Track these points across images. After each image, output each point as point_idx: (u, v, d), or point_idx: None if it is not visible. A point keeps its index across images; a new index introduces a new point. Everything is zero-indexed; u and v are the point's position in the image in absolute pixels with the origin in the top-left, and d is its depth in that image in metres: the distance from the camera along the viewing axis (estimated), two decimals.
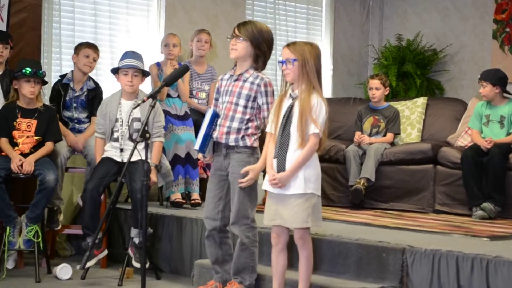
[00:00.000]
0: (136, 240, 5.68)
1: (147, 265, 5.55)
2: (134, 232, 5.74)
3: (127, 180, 5.75)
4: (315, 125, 4.45)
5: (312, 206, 4.51)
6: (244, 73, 4.94)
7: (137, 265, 5.51)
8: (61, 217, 6.46)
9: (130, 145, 5.69)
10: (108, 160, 5.89)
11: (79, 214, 7.02)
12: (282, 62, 4.53)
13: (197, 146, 4.94)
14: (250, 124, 4.92)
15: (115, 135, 5.89)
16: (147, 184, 4.68)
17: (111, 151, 5.94)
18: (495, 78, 7.21)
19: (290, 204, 4.50)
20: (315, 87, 4.51)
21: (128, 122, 5.79)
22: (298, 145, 4.46)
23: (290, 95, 4.56)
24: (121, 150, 5.82)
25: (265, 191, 4.71)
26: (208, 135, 4.92)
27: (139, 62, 6.00)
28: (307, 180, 4.49)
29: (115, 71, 6.00)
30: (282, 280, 4.66)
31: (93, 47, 6.79)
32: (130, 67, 5.87)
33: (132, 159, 5.11)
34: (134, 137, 5.66)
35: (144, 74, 6.04)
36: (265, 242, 5.17)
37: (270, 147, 4.61)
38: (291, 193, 4.49)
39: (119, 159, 5.86)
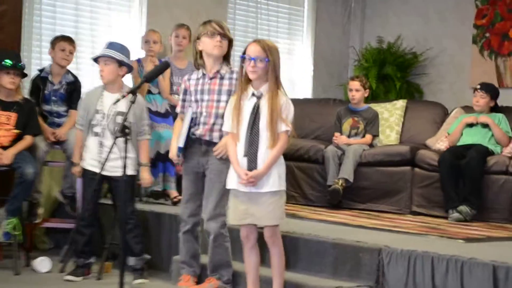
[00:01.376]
0: (137, 266, 5.72)
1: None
2: (131, 261, 5.70)
3: (112, 195, 5.82)
4: (286, 124, 4.53)
5: (283, 203, 4.63)
6: (220, 70, 5.07)
7: (139, 281, 5.61)
8: (40, 211, 6.50)
9: (111, 139, 5.66)
10: (90, 178, 5.71)
11: (58, 208, 7.06)
12: (252, 59, 4.54)
13: (181, 144, 5.01)
14: None
15: (96, 129, 5.73)
16: (132, 181, 4.79)
17: (90, 160, 5.75)
18: (494, 92, 7.40)
19: (264, 202, 4.56)
20: (280, 86, 4.59)
21: (111, 115, 5.69)
22: (271, 144, 4.52)
23: (253, 93, 4.60)
24: (101, 144, 5.70)
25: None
26: (189, 134, 5.01)
27: (115, 52, 5.78)
28: (280, 177, 4.58)
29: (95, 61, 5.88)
30: (256, 276, 4.73)
31: (69, 40, 6.79)
32: (100, 56, 5.76)
33: (115, 174, 5.33)
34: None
35: (123, 64, 5.81)
36: (239, 239, 5.26)
37: (233, 145, 4.64)
38: (265, 191, 4.55)
39: (98, 169, 5.55)
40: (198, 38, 5.10)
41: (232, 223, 4.78)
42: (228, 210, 4.77)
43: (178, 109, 5.27)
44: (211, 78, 5.08)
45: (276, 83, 4.57)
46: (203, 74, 5.11)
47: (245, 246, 4.73)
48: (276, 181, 4.56)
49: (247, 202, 4.61)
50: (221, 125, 4.92)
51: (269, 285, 4.71)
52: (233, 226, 4.96)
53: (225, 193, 4.90)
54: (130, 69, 5.92)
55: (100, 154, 5.68)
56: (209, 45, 5.05)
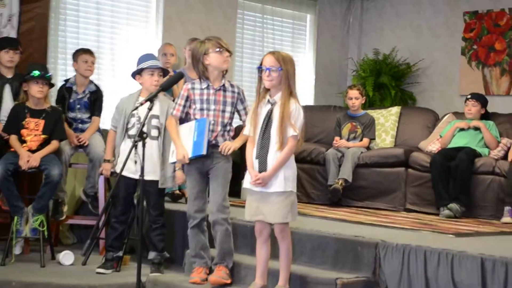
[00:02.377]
0: (156, 260, 5.68)
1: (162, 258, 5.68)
2: (152, 255, 5.68)
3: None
4: (294, 129, 4.50)
5: (291, 203, 4.58)
6: (224, 83, 5.11)
7: (156, 274, 5.55)
8: (65, 209, 6.49)
9: (147, 140, 5.57)
10: (125, 182, 5.60)
11: (81, 206, 7.06)
12: (267, 69, 4.53)
13: (205, 151, 4.97)
14: (230, 127, 5.14)
15: (132, 131, 5.60)
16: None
17: (127, 164, 5.43)
18: (484, 101, 7.41)
19: (271, 202, 4.55)
20: (293, 94, 4.57)
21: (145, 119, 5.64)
22: (278, 147, 4.51)
23: (269, 101, 4.59)
24: (136, 147, 5.62)
25: None
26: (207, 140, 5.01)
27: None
28: (286, 179, 4.56)
29: (137, 72, 5.70)
30: (265, 268, 4.72)
31: (89, 52, 6.78)
32: (156, 67, 5.69)
33: (149, 178, 5.36)
34: (152, 133, 5.59)
35: (164, 75, 5.84)
36: (241, 234, 5.38)
37: (250, 148, 4.65)
38: (272, 191, 4.54)
39: (135, 175, 5.49)
40: (206, 54, 5.07)
41: (247, 219, 4.77)
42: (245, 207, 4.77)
43: (174, 112, 5.19)
44: (216, 90, 5.10)
45: (289, 91, 4.55)
46: (208, 85, 5.11)
47: (258, 240, 4.72)
48: (282, 182, 4.55)
49: (258, 200, 4.61)
50: (225, 131, 5.07)
51: (276, 277, 4.69)
52: (243, 223, 4.99)
53: (228, 187, 5.06)
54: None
55: (135, 155, 5.46)
56: (218, 60, 5.05)
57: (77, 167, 6.82)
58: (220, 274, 5.04)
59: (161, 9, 8.33)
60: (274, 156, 4.54)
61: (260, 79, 4.63)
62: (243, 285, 4.93)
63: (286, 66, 4.56)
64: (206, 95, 5.09)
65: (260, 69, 4.59)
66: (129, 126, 5.65)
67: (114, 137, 5.80)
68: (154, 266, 5.63)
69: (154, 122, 5.59)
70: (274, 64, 4.54)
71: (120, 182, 5.53)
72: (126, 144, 5.59)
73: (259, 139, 4.59)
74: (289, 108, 4.51)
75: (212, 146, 5.04)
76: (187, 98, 5.15)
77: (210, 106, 5.07)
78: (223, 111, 5.09)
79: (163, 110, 5.54)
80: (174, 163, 5.30)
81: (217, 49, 5.04)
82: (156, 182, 5.55)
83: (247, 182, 4.67)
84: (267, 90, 4.61)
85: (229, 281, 5.05)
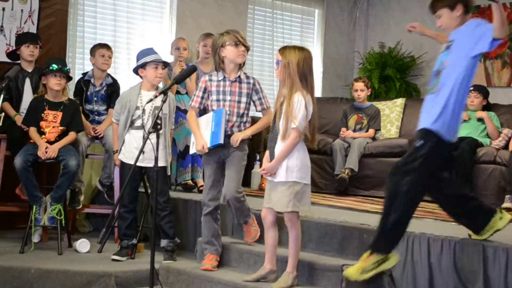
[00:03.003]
0: (168, 247, 5.63)
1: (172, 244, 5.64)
2: (164, 242, 5.64)
3: (148, 184, 5.78)
4: (294, 122, 4.45)
5: (295, 193, 4.51)
6: (240, 75, 5.09)
7: (168, 261, 5.52)
8: (81, 198, 6.46)
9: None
10: (129, 170, 5.36)
11: (97, 195, 7.03)
12: (276, 64, 4.57)
13: (222, 140, 4.96)
14: (246, 118, 5.12)
15: (137, 123, 5.60)
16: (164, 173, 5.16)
17: (130, 153, 5.59)
18: (486, 92, 7.35)
19: (277, 190, 4.55)
20: (296, 86, 4.46)
21: (150, 110, 5.57)
22: (281, 139, 4.50)
23: (283, 94, 4.56)
24: (144, 137, 5.37)
25: (261, 177, 4.76)
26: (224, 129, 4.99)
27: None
28: (290, 169, 4.52)
29: (140, 66, 5.65)
30: (273, 253, 4.72)
31: (106, 46, 6.76)
32: (159, 61, 5.67)
33: (151, 165, 5.15)
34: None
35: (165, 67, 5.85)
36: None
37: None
38: (277, 180, 4.55)
39: (141, 163, 5.40)
40: (223, 46, 5.05)
41: (263, 205, 4.75)
42: None
43: (193, 104, 5.18)
44: (232, 82, 5.07)
45: (292, 83, 4.47)
46: (224, 77, 5.07)
47: (264, 225, 4.74)
48: (284, 172, 4.52)
49: (270, 189, 4.64)
50: (241, 122, 5.07)
51: (285, 263, 4.68)
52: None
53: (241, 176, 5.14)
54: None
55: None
56: (234, 54, 5.04)
57: (94, 158, 6.80)
58: (252, 228, 5.27)
59: (175, 5, 8.29)
60: (279, 147, 4.54)
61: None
62: (251, 272, 4.88)
63: (286, 58, 4.48)
64: (222, 87, 5.08)
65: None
66: (134, 118, 5.62)
67: (117, 129, 5.79)
68: (167, 253, 5.59)
69: (162, 114, 5.53)
70: (277, 58, 4.56)
71: (125, 171, 5.52)
72: (131, 135, 5.61)
73: (270, 131, 4.61)
74: (292, 101, 4.46)
75: (228, 136, 5.02)
76: (205, 90, 5.14)
77: (226, 97, 5.06)
78: (239, 101, 5.07)
79: (169, 104, 5.47)
80: (194, 154, 5.26)
81: (234, 43, 5.01)
82: (161, 168, 5.47)
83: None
84: (282, 84, 4.56)
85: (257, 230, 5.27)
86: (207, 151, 5.04)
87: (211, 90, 5.11)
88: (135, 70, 5.71)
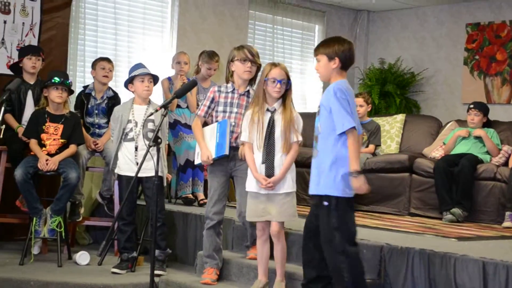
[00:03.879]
0: (160, 257, 5.60)
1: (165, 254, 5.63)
2: (156, 253, 5.51)
3: (144, 196, 5.76)
4: (296, 135, 4.64)
5: (295, 202, 4.70)
6: (249, 90, 5.12)
7: (159, 272, 5.49)
8: (82, 210, 6.46)
9: (144, 143, 5.56)
10: (127, 182, 5.54)
11: (97, 208, 7.03)
12: (278, 82, 4.61)
13: (227, 151, 4.96)
14: None
15: (130, 135, 5.64)
16: (160, 182, 4.82)
17: (126, 165, 5.64)
18: (486, 109, 7.35)
19: (279, 202, 4.63)
20: (292, 103, 4.73)
21: (142, 122, 5.62)
22: (283, 150, 4.61)
23: (268, 109, 4.67)
24: (136, 148, 5.61)
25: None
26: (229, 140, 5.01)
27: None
28: (293, 180, 4.67)
29: (129, 81, 5.71)
30: (267, 266, 4.83)
31: (107, 60, 6.79)
32: (146, 74, 5.69)
33: (147, 175, 5.33)
34: (148, 136, 5.56)
35: (155, 82, 5.84)
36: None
37: (250, 154, 4.70)
38: (281, 192, 4.62)
39: (133, 173, 5.35)
40: (232, 61, 5.12)
41: (251, 220, 4.83)
42: (247, 208, 4.79)
43: (199, 113, 5.18)
44: (241, 95, 5.11)
45: (290, 100, 4.71)
46: (233, 90, 5.13)
47: (260, 238, 4.78)
48: (290, 184, 4.65)
49: (265, 202, 4.66)
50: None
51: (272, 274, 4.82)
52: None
53: None
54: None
55: (136, 157, 5.60)
56: (241, 70, 5.09)
57: (94, 170, 6.81)
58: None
59: (176, 20, 8.33)
60: (280, 160, 4.62)
61: (262, 89, 4.67)
62: (250, 286, 4.89)
63: (289, 78, 4.72)
64: (231, 99, 5.11)
65: (267, 80, 4.64)
66: (127, 131, 5.66)
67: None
68: (158, 263, 5.57)
69: (150, 125, 5.62)
70: (284, 77, 4.66)
71: (123, 183, 5.57)
72: (124, 147, 5.66)
73: (264, 145, 4.64)
74: (291, 115, 4.65)
75: (233, 148, 5.01)
76: (212, 100, 5.16)
77: (232, 109, 5.08)
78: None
79: (157, 114, 5.37)
80: (199, 164, 5.27)
81: (241, 59, 5.07)
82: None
83: (251, 185, 4.72)
84: (264, 98, 4.67)
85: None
86: (212, 162, 5.04)
87: (218, 101, 5.13)
88: (125, 86, 5.76)
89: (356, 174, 4.05)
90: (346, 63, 4.26)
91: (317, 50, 4.33)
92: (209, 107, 5.16)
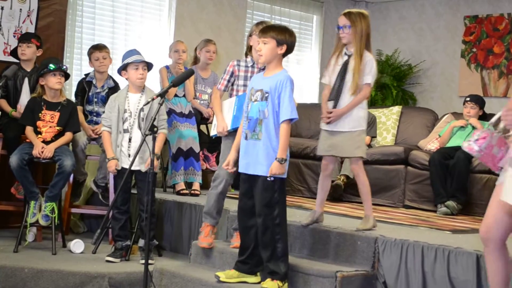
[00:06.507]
0: (142, 245, 5.60)
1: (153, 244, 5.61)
2: (141, 242, 5.61)
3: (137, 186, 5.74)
4: (367, 77, 4.89)
5: (362, 140, 5.00)
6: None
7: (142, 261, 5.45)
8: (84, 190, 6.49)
9: (138, 132, 5.52)
10: (121, 173, 5.54)
11: (92, 196, 7.02)
12: (340, 28, 4.91)
13: (234, 125, 5.00)
14: None
15: (124, 125, 5.60)
16: (154, 173, 4.77)
17: (120, 157, 5.60)
18: (482, 102, 7.36)
19: (344, 138, 4.93)
20: (367, 47, 4.92)
21: (136, 112, 5.57)
22: (353, 92, 4.87)
23: (345, 53, 4.95)
24: (129, 140, 5.58)
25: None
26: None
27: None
28: (361, 118, 4.95)
29: (122, 68, 5.63)
30: (324, 198, 5.18)
31: (99, 48, 6.70)
32: (140, 61, 5.61)
33: (138, 168, 5.38)
34: (142, 125, 5.54)
35: (148, 68, 5.75)
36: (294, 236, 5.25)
37: (326, 95, 5.01)
38: (346, 130, 4.92)
39: (126, 164, 5.43)
40: (250, 35, 5.21)
41: (319, 154, 5.09)
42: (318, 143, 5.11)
43: (219, 86, 5.18)
44: (260, 69, 5.07)
45: (361, 44, 4.88)
46: (253, 64, 5.15)
47: (323, 173, 5.08)
48: (356, 121, 4.92)
49: (332, 138, 4.95)
50: None
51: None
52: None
53: None
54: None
55: (129, 148, 5.59)
56: (256, 44, 5.00)
57: (90, 158, 6.79)
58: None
59: (174, 8, 8.31)
60: (348, 99, 4.89)
61: (338, 35, 4.99)
62: None
63: (356, 23, 4.89)
64: (250, 73, 5.12)
65: (338, 28, 4.96)
66: (123, 119, 5.63)
67: (109, 136, 5.66)
68: (144, 253, 5.56)
69: (142, 115, 5.50)
70: (345, 22, 4.90)
71: (118, 174, 5.58)
72: (121, 138, 5.61)
73: (335, 84, 4.91)
74: (364, 59, 4.87)
75: None
76: (232, 74, 5.16)
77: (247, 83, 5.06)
78: None
79: (153, 103, 5.27)
80: (214, 135, 5.28)
81: (258, 33, 4.98)
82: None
83: (322, 123, 5.01)
84: (343, 44, 4.96)
85: None
86: (226, 133, 5.06)
87: (238, 74, 5.13)
88: (119, 72, 5.71)
89: (283, 161, 4.43)
90: (287, 53, 4.58)
91: (267, 33, 4.53)
92: (228, 81, 5.16)
